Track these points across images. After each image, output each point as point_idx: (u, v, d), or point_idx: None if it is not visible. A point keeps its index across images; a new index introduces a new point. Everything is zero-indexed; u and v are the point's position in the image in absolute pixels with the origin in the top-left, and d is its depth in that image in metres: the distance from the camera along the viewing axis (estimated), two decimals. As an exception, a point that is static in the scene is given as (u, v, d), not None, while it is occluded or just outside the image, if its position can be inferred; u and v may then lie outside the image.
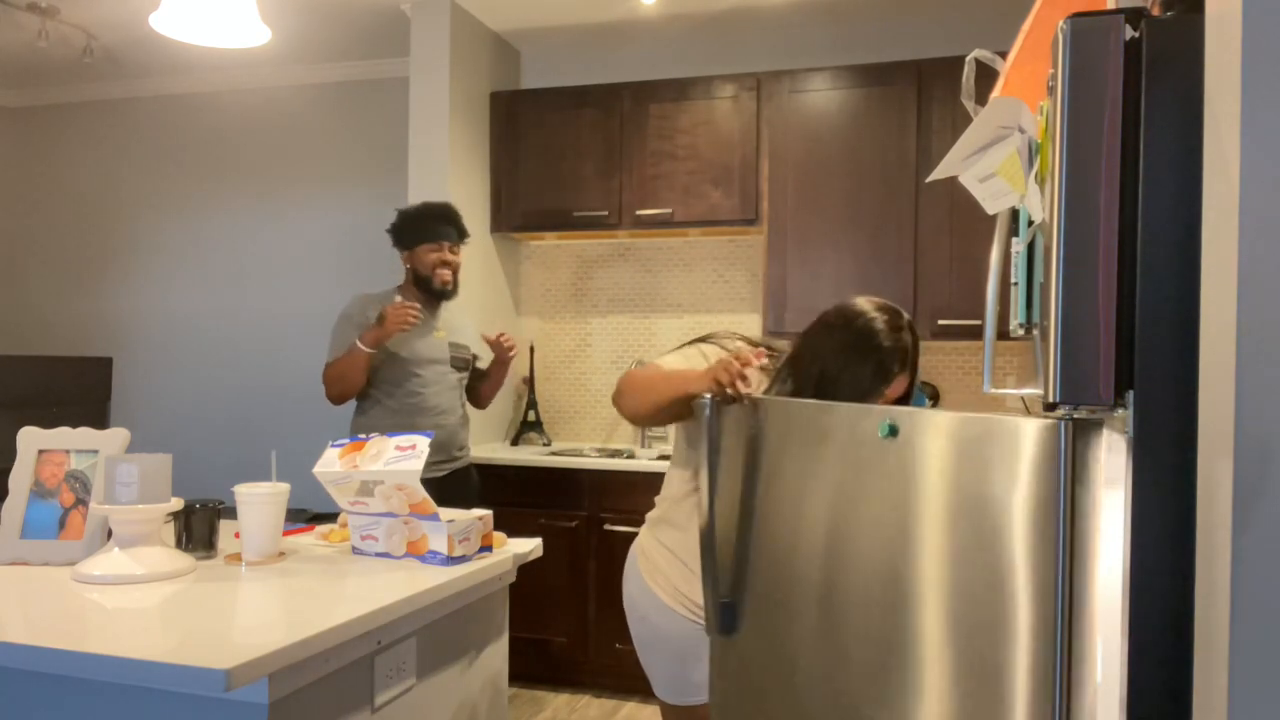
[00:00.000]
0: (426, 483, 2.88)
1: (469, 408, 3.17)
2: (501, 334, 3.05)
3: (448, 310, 3.09)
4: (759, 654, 1.75)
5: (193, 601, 1.52)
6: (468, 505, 2.97)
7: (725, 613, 1.78)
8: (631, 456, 3.89)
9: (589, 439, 4.28)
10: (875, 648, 1.59)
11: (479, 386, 3.19)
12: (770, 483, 1.74)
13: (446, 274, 2.98)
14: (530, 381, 4.23)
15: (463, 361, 3.09)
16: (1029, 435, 1.46)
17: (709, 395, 1.73)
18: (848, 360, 1.87)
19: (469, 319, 3.26)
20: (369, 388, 2.93)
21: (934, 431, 1.59)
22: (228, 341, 4.80)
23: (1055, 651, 1.42)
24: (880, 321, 1.95)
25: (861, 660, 1.60)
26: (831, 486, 1.67)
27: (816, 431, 1.69)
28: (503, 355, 3.07)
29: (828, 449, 1.68)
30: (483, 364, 3.21)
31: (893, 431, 1.59)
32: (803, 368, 1.88)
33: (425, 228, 2.99)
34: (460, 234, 3.06)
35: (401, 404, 2.91)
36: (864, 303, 2.00)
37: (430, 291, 2.99)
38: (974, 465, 1.52)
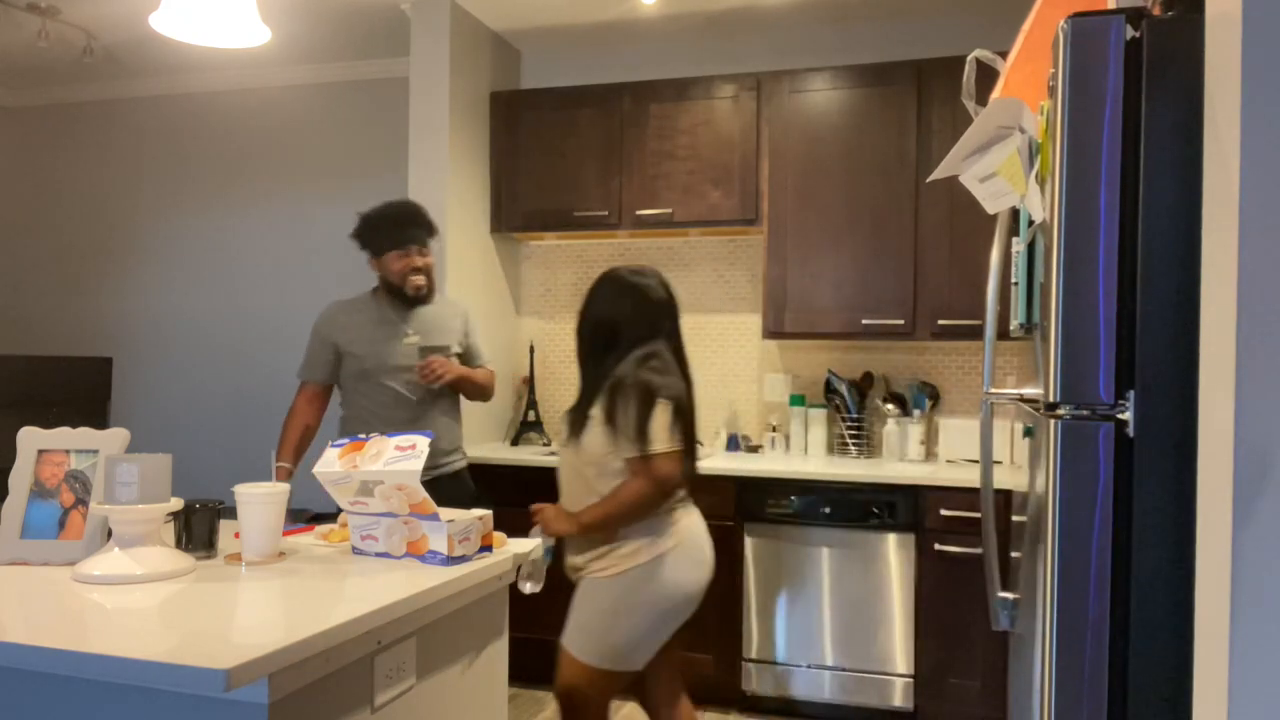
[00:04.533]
0: None
1: (469, 405, 3.11)
2: (430, 361, 2.82)
3: (425, 310, 2.94)
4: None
5: (193, 601, 1.52)
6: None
7: (1005, 607, 1.88)
8: (631, 456, 3.89)
9: (589, 439, 4.27)
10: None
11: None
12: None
13: (418, 280, 2.85)
14: (530, 381, 4.23)
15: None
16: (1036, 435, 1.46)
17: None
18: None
19: (459, 309, 3.07)
20: (344, 393, 2.90)
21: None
22: (228, 341, 4.80)
23: (1051, 650, 1.42)
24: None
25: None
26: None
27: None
28: (423, 380, 2.84)
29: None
30: (486, 361, 3.10)
31: (1028, 433, 1.74)
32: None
33: (390, 233, 2.84)
34: (428, 233, 2.91)
35: (371, 414, 2.83)
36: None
37: (404, 299, 2.88)
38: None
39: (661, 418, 2.19)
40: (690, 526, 2.30)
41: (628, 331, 2.31)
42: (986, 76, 2.13)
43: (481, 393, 3.09)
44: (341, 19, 4.00)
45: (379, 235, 2.87)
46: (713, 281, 4.13)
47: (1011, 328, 2.01)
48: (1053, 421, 1.42)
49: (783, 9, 3.83)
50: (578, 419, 2.30)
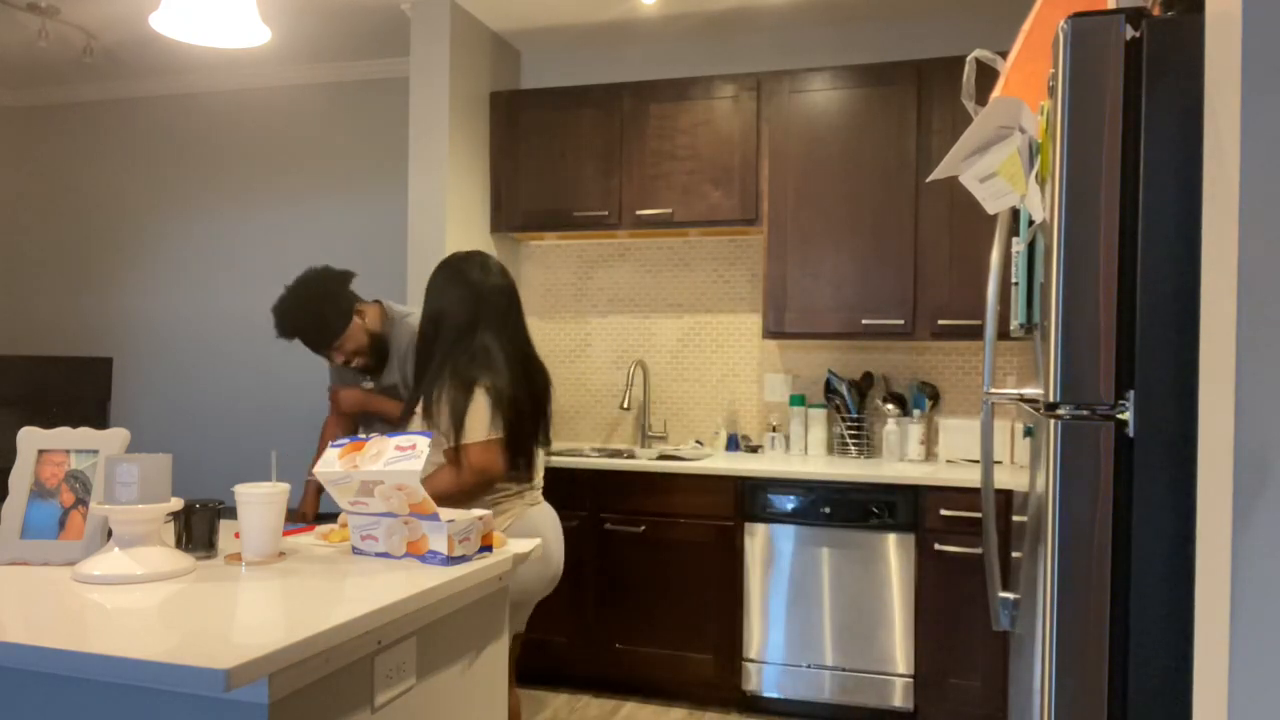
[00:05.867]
0: None
1: None
2: (330, 390, 2.87)
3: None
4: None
5: (193, 601, 1.52)
6: None
7: (1005, 607, 1.89)
8: (631, 456, 3.89)
9: (589, 439, 4.28)
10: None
11: None
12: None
13: (358, 361, 2.75)
14: (530, 381, 4.23)
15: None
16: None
17: None
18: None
19: (408, 341, 2.81)
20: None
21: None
22: (228, 341, 4.80)
23: (1051, 650, 1.42)
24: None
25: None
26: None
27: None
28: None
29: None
30: None
31: (1028, 433, 1.77)
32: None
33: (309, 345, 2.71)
34: (328, 339, 2.67)
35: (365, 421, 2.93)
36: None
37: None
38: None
39: (479, 408, 2.20)
40: (527, 518, 2.35)
41: (452, 320, 2.30)
42: (986, 76, 2.13)
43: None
44: (341, 19, 4.00)
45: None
46: (713, 281, 4.13)
47: (1011, 328, 2.01)
48: (1053, 421, 1.42)
49: (783, 9, 3.83)
50: (406, 413, 2.32)
